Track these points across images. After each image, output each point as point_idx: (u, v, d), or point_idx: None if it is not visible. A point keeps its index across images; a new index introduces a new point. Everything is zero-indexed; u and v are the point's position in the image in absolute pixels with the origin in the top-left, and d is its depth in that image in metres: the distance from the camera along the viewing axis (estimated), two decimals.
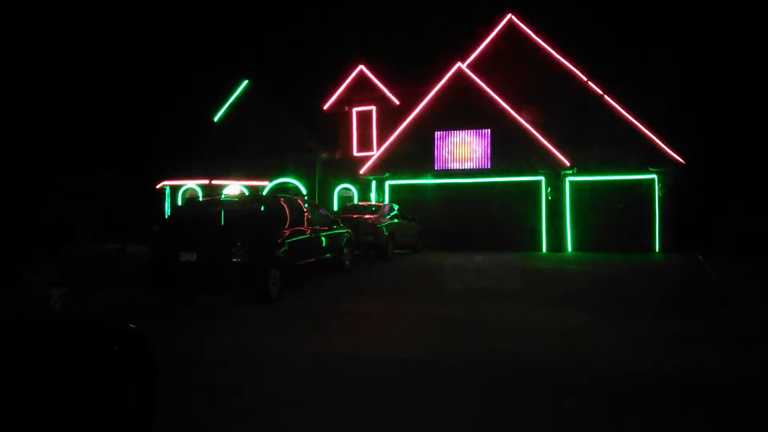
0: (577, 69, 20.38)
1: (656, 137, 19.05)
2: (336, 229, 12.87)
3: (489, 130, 19.79)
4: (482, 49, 21.38)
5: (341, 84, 23.51)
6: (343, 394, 5.10)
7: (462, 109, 19.90)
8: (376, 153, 21.33)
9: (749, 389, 5.19)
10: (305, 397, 5.03)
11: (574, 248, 19.64)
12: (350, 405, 4.83)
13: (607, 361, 6.11)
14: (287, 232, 10.38)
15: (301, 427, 4.39)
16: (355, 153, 23.26)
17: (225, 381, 5.55)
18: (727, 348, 6.71)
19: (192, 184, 23.01)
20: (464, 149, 20.13)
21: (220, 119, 25.05)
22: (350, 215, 15.67)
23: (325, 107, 23.80)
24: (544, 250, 19.19)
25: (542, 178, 19.36)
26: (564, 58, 20.56)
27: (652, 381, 5.40)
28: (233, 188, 22.81)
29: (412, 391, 5.17)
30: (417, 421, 4.47)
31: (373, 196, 21.26)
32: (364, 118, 23.31)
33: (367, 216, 15.79)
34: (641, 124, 19.27)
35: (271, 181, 23.47)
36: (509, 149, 19.39)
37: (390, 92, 22.82)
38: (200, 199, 16.86)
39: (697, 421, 4.48)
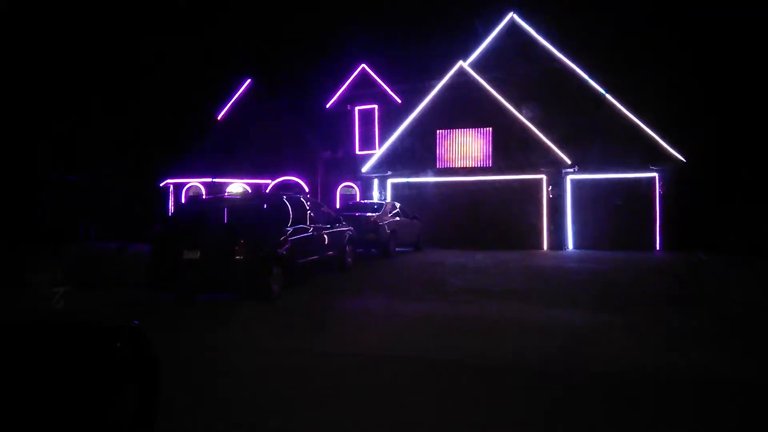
0: (578, 67, 20.37)
1: (657, 135, 19.07)
2: (338, 227, 12.88)
3: (490, 128, 19.81)
4: (484, 48, 21.38)
5: (344, 82, 23.55)
6: (344, 395, 5.11)
7: (464, 108, 19.93)
8: (378, 151, 21.36)
9: (752, 389, 5.18)
10: (306, 397, 5.02)
11: (575, 246, 19.68)
12: (351, 405, 4.84)
13: (610, 360, 6.12)
14: (290, 230, 10.38)
15: (301, 428, 4.41)
16: (357, 151, 23.30)
17: (225, 381, 5.54)
18: (728, 346, 6.72)
19: (195, 182, 23.07)
20: (466, 147, 20.15)
21: (222, 117, 25.10)
22: (352, 213, 15.73)
23: (327, 105, 23.85)
24: (545, 248, 19.20)
25: (543, 176, 19.37)
26: (565, 56, 20.55)
27: (655, 380, 5.41)
28: (236, 186, 22.86)
29: (413, 391, 5.17)
30: (418, 421, 4.49)
31: (375, 194, 21.30)
32: (366, 116, 23.35)
33: (369, 214, 15.84)
34: (642, 122, 19.28)
35: (273, 179, 23.52)
36: (511, 147, 19.42)
37: (392, 91, 22.85)
38: (203, 197, 16.93)
39: (702, 421, 4.49)
